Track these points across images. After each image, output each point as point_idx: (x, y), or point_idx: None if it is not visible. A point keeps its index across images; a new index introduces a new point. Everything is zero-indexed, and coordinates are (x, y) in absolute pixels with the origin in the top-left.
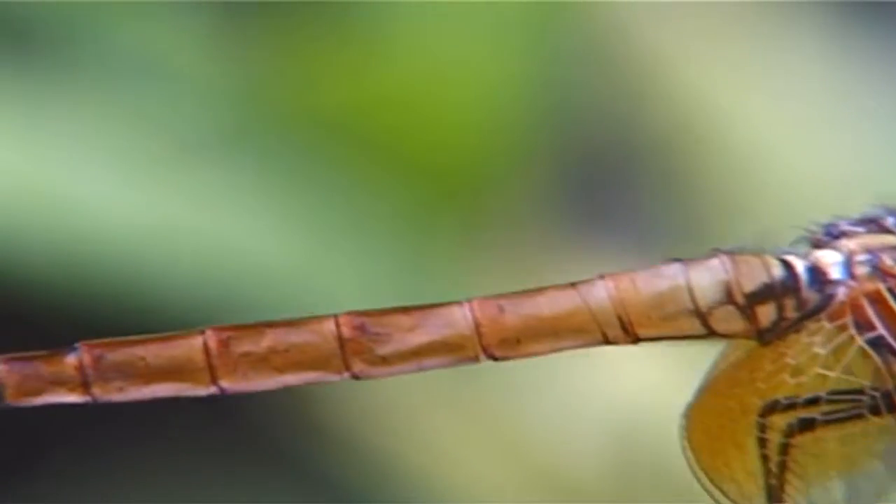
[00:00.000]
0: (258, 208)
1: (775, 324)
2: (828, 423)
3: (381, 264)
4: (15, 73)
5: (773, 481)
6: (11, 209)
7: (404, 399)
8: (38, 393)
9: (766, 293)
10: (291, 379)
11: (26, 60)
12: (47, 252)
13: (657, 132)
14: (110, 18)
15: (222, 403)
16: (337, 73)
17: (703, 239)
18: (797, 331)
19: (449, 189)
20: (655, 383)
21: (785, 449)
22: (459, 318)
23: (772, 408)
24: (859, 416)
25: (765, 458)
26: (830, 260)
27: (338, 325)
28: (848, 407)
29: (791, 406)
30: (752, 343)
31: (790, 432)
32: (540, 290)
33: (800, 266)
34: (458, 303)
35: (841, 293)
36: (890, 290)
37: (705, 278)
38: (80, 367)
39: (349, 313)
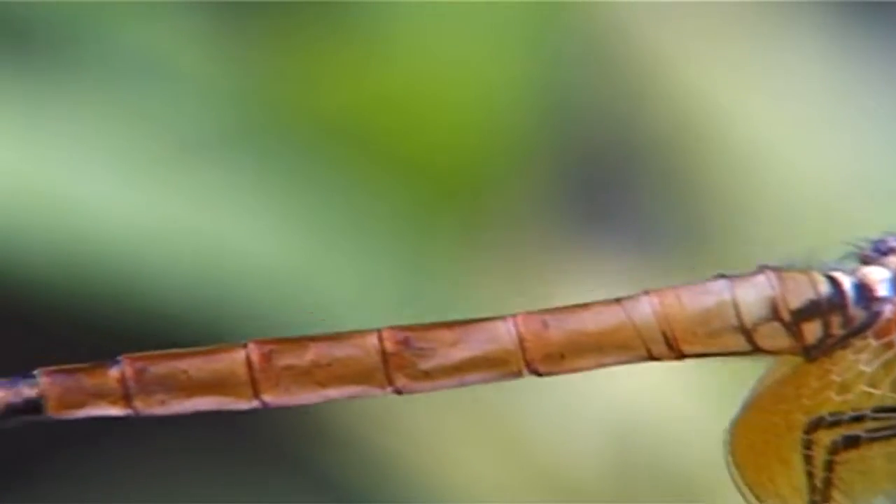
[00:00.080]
0: (258, 208)
1: (821, 341)
2: (873, 440)
3: (381, 264)
4: (15, 73)
5: (818, 498)
6: (11, 209)
7: (404, 399)
8: (80, 406)
9: (813, 310)
10: (334, 393)
11: (27, 60)
12: (47, 252)
13: (657, 132)
14: (110, 19)
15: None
16: (337, 73)
17: (704, 239)
18: (843, 347)
19: (449, 189)
20: (655, 383)
21: (830, 466)
22: (503, 333)
23: (817, 424)
24: None
25: (810, 475)
26: (878, 277)
27: (381, 340)
28: (893, 424)
29: (836, 423)
30: (798, 359)
31: (835, 449)
32: (585, 306)
33: (847, 283)
34: (503, 317)
35: (888, 310)
36: None
37: (751, 294)
38: (123, 380)
39: (393, 328)
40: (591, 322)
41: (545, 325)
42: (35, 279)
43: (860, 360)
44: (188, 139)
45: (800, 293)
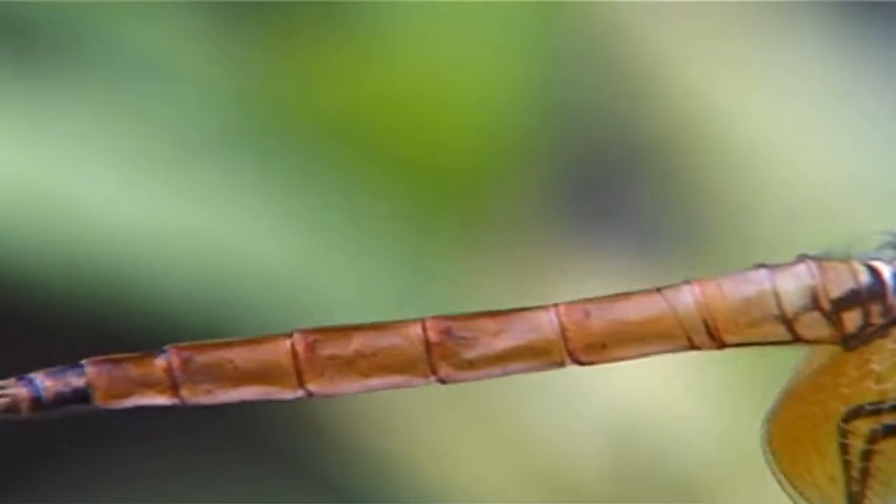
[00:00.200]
0: (258, 209)
1: (861, 330)
2: None
3: (381, 264)
4: (17, 73)
5: (856, 487)
6: (13, 209)
7: (404, 399)
8: (128, 395)
9: (853, 299)
10: (377, 383)
11: (28, 61)
12: (47, 252)
13: (657, 132)
14: (111, 19)
15: (222, 403)
16: (337, 73)
17: (704, 239)
18: (883, 336)
19: (449, 189)
20: (655, 383)
21: (868, 455)
22: (545, 323)
23: (855, 414)
24: None
25: (847, 464)
26: None
27: (424, 329)
28: None
29: (875, 412)
30: (837, 349)
31: (874, 438)
32: (626, 295)
33: (887, 272)
34: (545, 307)
35: None
36: None
37: (792, 284)
38: (169, 370)
39: (436, 317)
40: (633, 312)
41: (587, 314)
42: (35, 279)
43: None
44: (188, 139)
45: (840, 282)
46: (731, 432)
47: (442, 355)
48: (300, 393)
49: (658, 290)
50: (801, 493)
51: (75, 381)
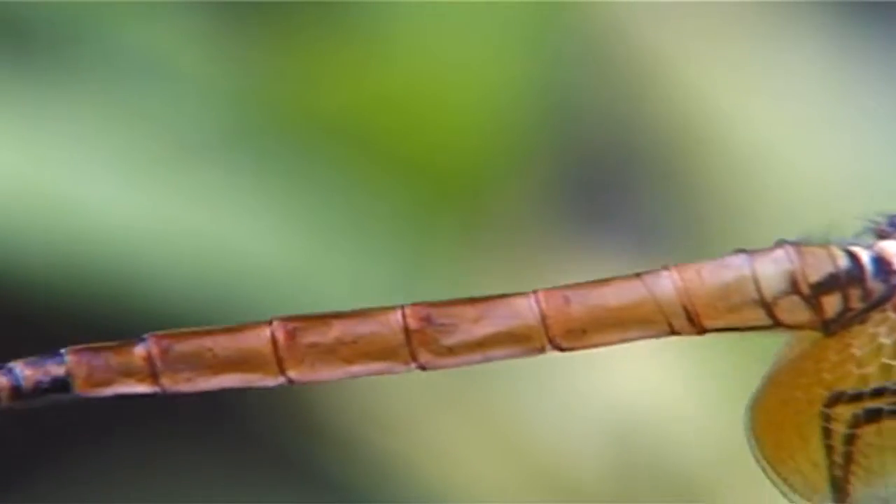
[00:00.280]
0: (258, 208)
1: (840, 314)
2: (894, 413)
3: (381, 264)
4: (15, 73)
5: (839, 472)
6: (12, 209)
7: (404, 399)
8: (107, 384)
9: (832, 283)
10: (359, 370)
11: (27, 61)
12: (47, 252)
13: (657, 133)
14: (111, 19)
15: (222, 403)
16: (337, 73)
17: (704, 239)
18: (862, 321)
19: (449, 189)
20: (655, 383)
21: (850, 440)
22: (525, 309)
23: (837, 398)
24: None
25: (830, 449)
26: (895, 250)
27: (404, 317)
28: None
29: (857, 397)
30: (817, 334)
31: (856, 423)
32: (605, 281)
33: (865, 256)
34: (524, 294)
35: None
36: None
37: (771, 268)
38: (149, 358)
39: (415, 304)
40: (613, 297)
41: (567, 300)
42: (35, 279)
43: (879, 334)
44: (188, 139)
45: (819, 267)
46: (731, 432)
47: (422, 342)
48: (281, 380)
49: (637, 275)
50: (785, 479)
51: (55, 369)
